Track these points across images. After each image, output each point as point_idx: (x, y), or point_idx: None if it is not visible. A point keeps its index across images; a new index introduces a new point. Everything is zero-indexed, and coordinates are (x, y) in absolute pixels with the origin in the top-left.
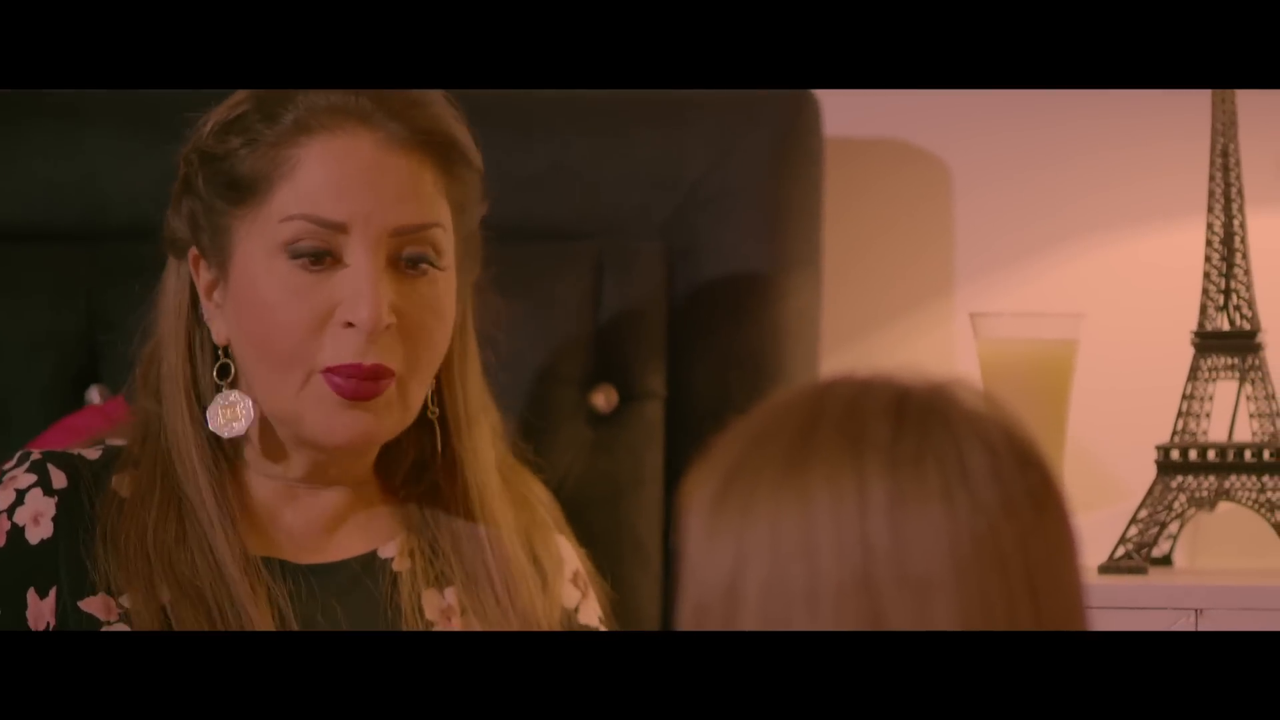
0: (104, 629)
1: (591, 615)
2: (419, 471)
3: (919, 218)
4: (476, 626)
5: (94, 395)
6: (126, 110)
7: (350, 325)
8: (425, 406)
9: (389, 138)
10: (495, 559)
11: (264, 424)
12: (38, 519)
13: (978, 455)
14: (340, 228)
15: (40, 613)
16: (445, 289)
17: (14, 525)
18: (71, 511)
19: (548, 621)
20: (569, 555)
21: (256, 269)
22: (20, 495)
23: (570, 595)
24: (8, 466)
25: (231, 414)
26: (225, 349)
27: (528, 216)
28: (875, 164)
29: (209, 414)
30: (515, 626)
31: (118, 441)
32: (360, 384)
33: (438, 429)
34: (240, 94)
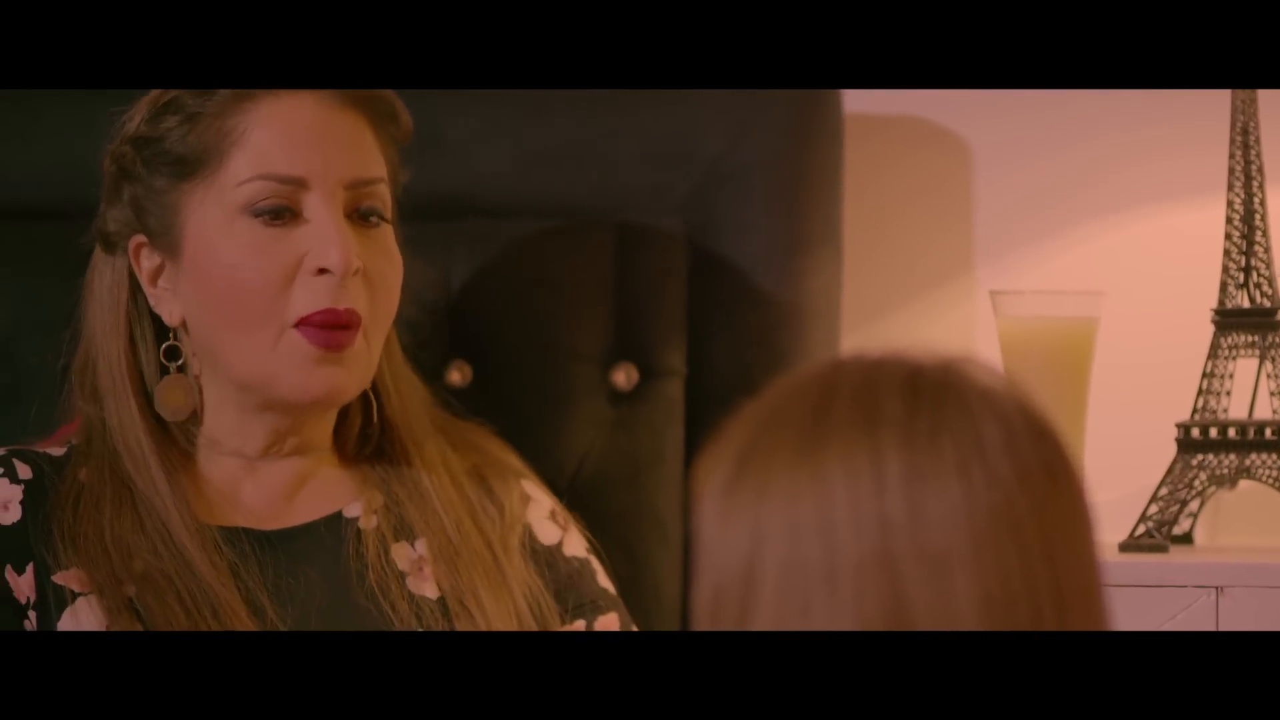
0: (78, 598)
1: (578, 547)
2: (364, 437)
3: (940, 195)
4: (444, 572)
5: None
6: (148, 89)
7: (322, 271)
8: None
9: (330, 96)
10: (444, 506)
11: (219, 402)
12: (6, 505)
13: (992, 429)
14: (299, 182)
15: (20, 587)
16: (393, 242)
17: None
18: (36, 500)
19: (507, 548)
20: (539, 495)
21: (214, 235)
22: None
23: (550, 532)
24: None
25: (176, 397)
26: (175, 331)
27: (547, 194)
28: (896, 142)
29: (157, 398)
30: (474, 559)
31: (80, 438)
32: (333, 333)
33: (371, 396)
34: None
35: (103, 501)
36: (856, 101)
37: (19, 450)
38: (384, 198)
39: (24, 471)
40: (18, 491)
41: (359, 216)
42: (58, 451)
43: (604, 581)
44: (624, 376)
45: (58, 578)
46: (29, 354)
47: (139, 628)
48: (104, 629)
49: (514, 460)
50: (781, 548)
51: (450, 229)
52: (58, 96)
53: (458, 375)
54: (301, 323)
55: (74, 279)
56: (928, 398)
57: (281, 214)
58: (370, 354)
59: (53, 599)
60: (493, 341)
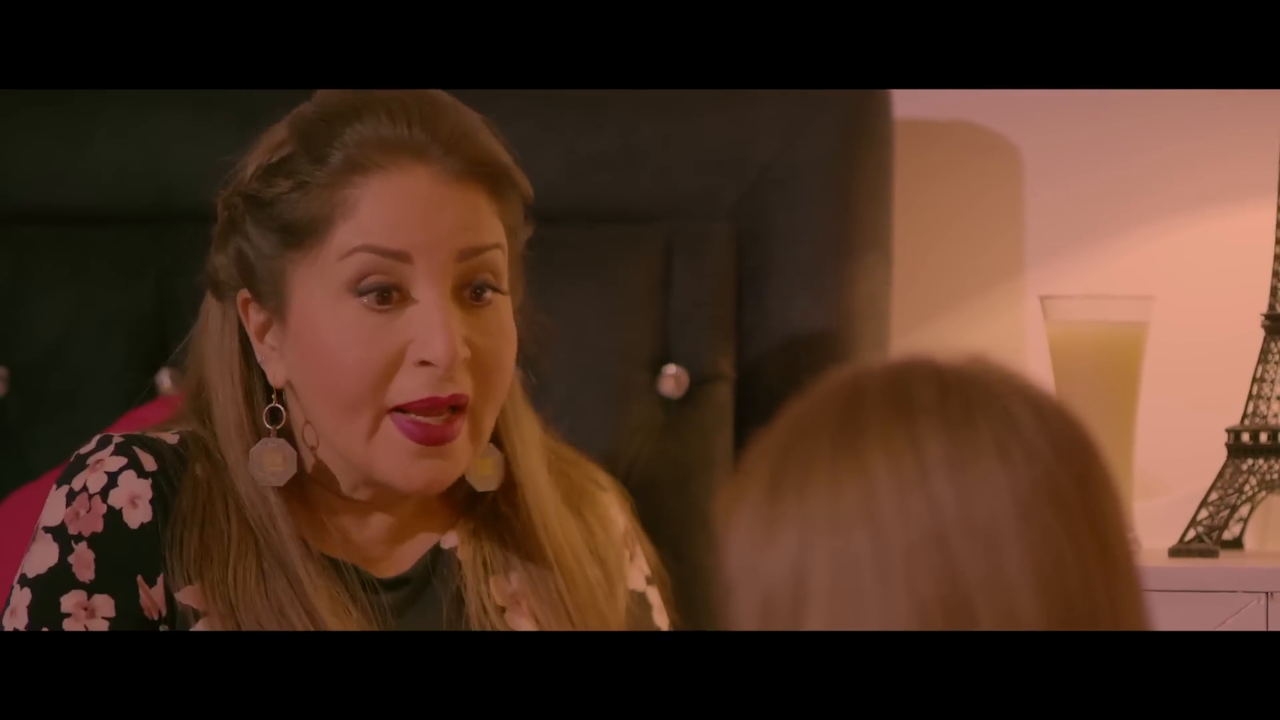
0: (202, 618)
1: (639, 578)
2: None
3: (990, 201)
4: (540, 606)
5: (164, 378)
6: (196, 94)
7: (424, 364)
8: None
9: (444, 171)
10: (564, 580)
11: (331, 458)
12: (135, 502)
13: (1023, 410)
14: (403, 256)
15: (152, 601)
16: (507, 314)
17: (110, 508)
18: (165, 495)
19: (615, 625)
20: (617, 515)
21: (319, 312)
22: (112, 478)
23: (625, 564)
24: (87, 450)
25: (274, 461)
26: (279, 393)
27: (598, 199)
28: (946, 148)
29: (253, 460)
30: (576, 595)
31: (188, 427)
32: (434, 428)
33: (494, 457)
34: (280, 133)
35: (226, 535)
36: (906, 107)
37: (137, 437)
38: (496, 266)
39: (149, 462)
40: (146, 487)
41: (471, 294)
42: (172, 439)
43: (659, 618)
44: (674, 381)
45: (181, 595)
46: (84, 358)
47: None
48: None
49: (600, 476)
50: (830, 544)
51: None
52: (112, 100)
53: None
54: (397, 410)
55: (128, 283)
56: (956, 386)
57: (388, 295)
58: (478, 436)
59: (180, 616)
60: (542, 346)
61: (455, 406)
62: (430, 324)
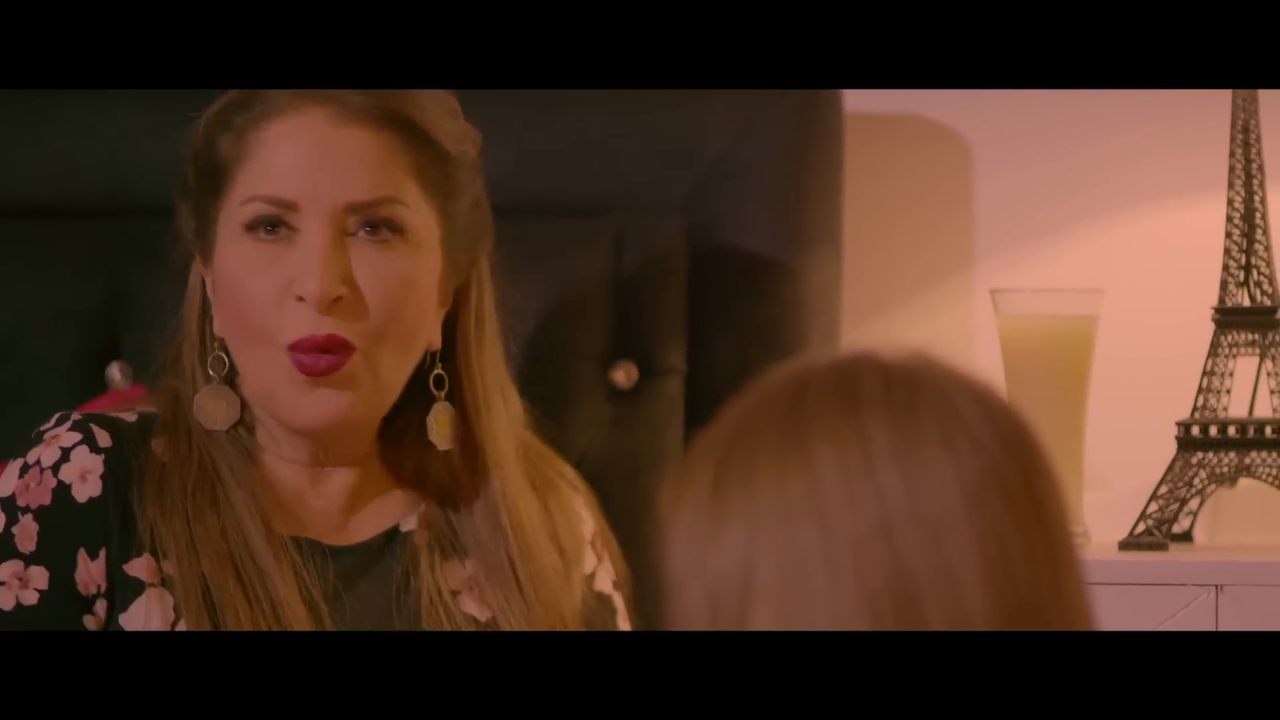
0: (147, 589)
1: (606, 581)
2: (431, 455)
3: (939, 194)
4: (496, 594)
5: (115, 372)
6: (151, 89)
7: (302, 299)
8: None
9: (343, 110)
10: (519, 551)
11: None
12: (85, 476)
13: (967, 402)
14: (291, 205)
15: (90, 575)
16: (417, 264)
17: (60, 483)
18: (117, 469)
19: (570, 614)
20: (586, 515)
21: (226, 250)
22: (65, 453)
23: (589, 560)
24: (46, 427)
25: (217, 407)
26: (221, 341)
27: (548, 192)
28: (896, 141)
29: (195, 407)
30: (539, 620)
31: (150, 409)
32: (318, 357)
33: (456, 415)
34: (233, 91)
35: (188, 466)
36: (857, 101)
37: (95, 415)
38: (397, 218)
39: (103, 439)
40: (98, 462)
41: (367, 231)
42: (130, 418)
43: (622, 623)
44: (624, 375)
45: (130, 567)
46: (35, 352)
47: (207, 613)
48: (171, 622)
49: (570, 473)
50: (777, 537)
51: None
52: (62, 96)
53: None
54: (290, 348)
55: (80, 277)
56: (900, 379)
57: (276, 227)
58: (379, 377)
59: (120, 589)
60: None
61: (329, 349)
62: (308, 261)
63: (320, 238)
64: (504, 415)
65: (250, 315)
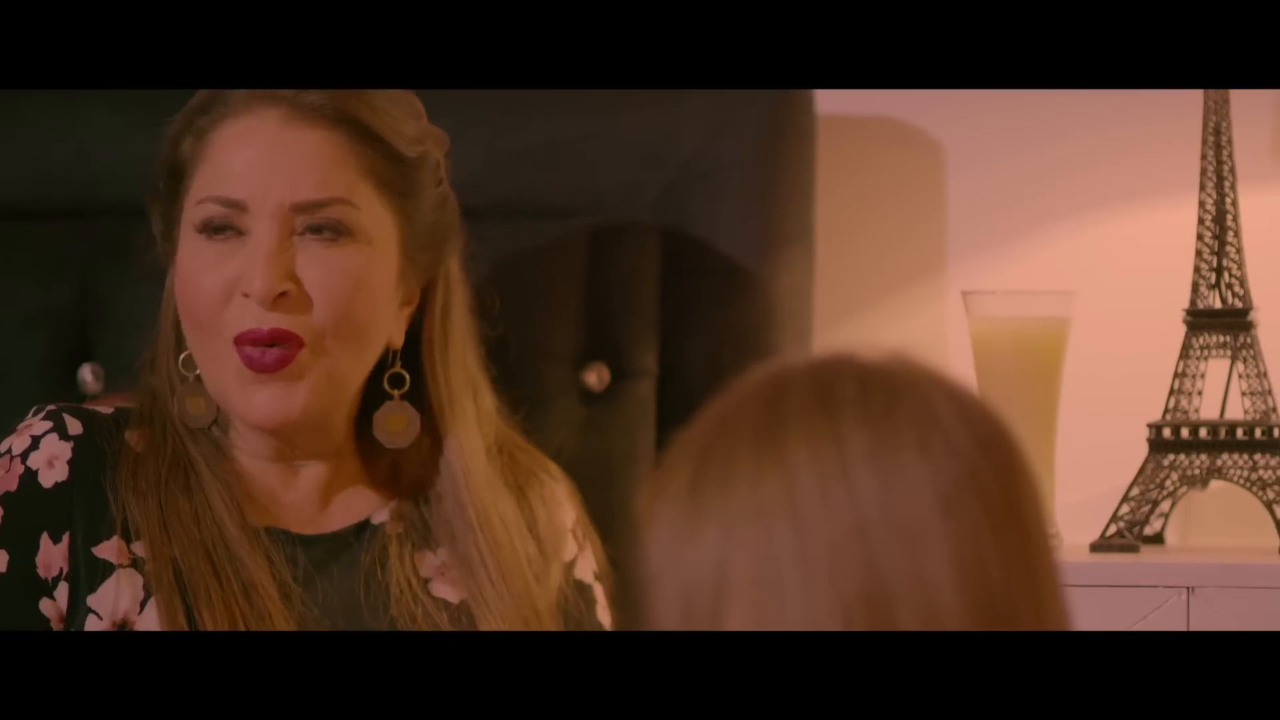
0: (116, 571)
1: (587, 570)
2: (404, 451)
3: (911, 195)
4: (468, 580)
5: (86, 374)
6: (120, 89)
7: (247, 295)
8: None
9: (293, 110)
10: (486, 544)
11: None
12: (52, 462)
13: (944, 404)
14: (239, 205)
15: (51, 558)
16: (368, 262)
17: (27, 469)
18: (87, 456)
19: (545, 608)
20: (568, 504)
21: (182, 250)
22: (35, 441)
23: (568, 547)
24: (24, 420)
25: (196, 405)
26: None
27: (520, 194)
28: (868, 142)
29: (175, 406)
30: (510, 612)
31: (128, 405)
32: (264, 352)
33: (419, 414)
34: (201, 94)
35: (162, 454)
36: (829, 102)
37: (70, 405)
38: (344, 218)
39: (74, 427)
40: (66, 449)
41: (311, 232)
42: (106, 410)
43: (601, 615)
44: (596, 377)
45: (99, 550)
46: (5, 354)
47: (179, 601)
48: (140, 602)
49: (553, 467)
50: (752, 537)
51: None
52: (32, 97)
53: None
54: (237, 342)
55: (51, 279)
56: (878, 381)
57: (223, 230)
58: (333, 374)
59: (86, 572)
60: None
61: (274, 342)
62: (254, 258)
63: (267, 235)
64: (472, 413)
65: (201, 311)
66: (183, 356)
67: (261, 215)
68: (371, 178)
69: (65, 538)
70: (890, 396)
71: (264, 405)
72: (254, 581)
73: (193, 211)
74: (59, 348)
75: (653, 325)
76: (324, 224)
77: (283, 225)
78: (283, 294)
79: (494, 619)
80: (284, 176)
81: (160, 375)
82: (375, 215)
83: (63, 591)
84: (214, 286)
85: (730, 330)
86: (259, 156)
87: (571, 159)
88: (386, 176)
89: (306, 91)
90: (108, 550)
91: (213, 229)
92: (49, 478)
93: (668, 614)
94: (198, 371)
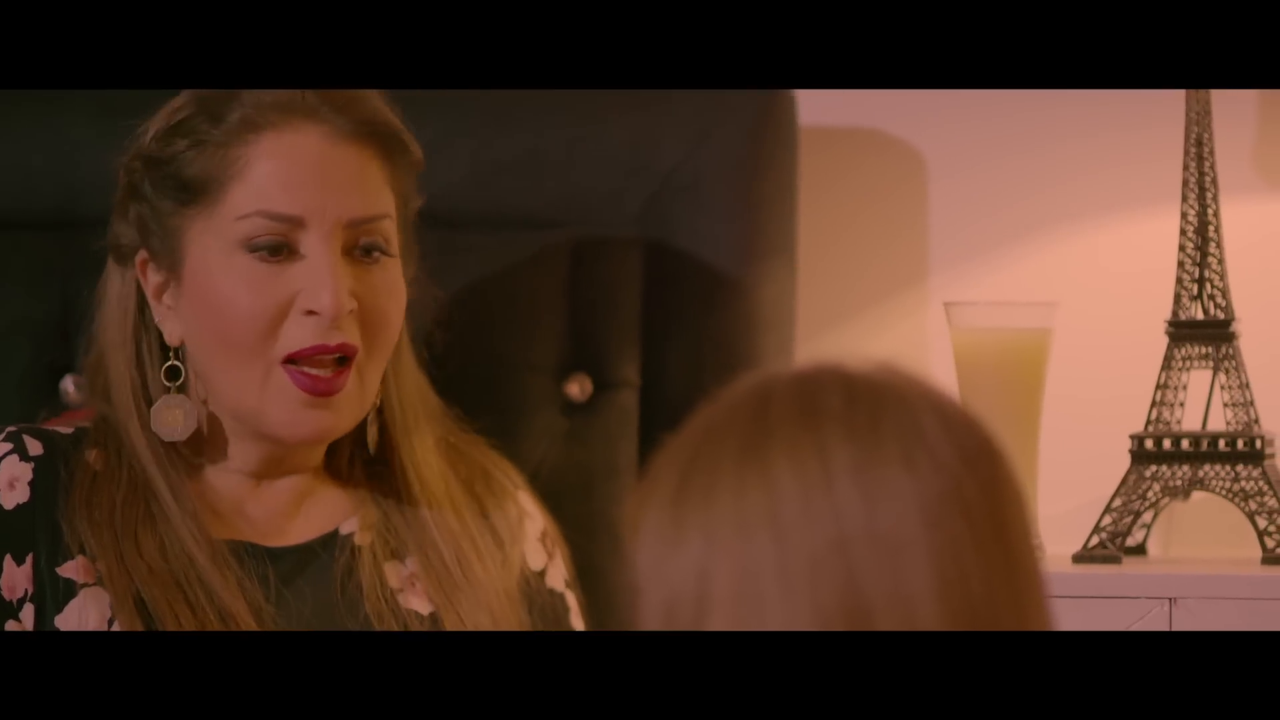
0: (81, 590)
1: (558, 579)
2: (362, 456)
3: (893, 206)
4: (436, 590)
5: (69, 385)
6: (102, 98)
7: (311, 313)
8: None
9: (335, 131)
10: (442, 536)
11: (214, 420)
12: (13, 484)
13: (929, 417)
14: (296, 221)
15: (16, 580)
16: (396, 275)
17: None
18: (47, 477)
19: (505, 591)
20: (534, 512)
21: (213, 266)
22: None
23: (537, 556)
24: None
25: (174, 417)
26: (177, 350)
27: (502, 204)
28: (849, 152)
29: (153, 417)
30: (471, 598)
31: (87, 424)
32: (321, 379)
33: (375, 418)
34: (181, 98)
35: (118, 479)
36: (811, 112)
37: (29, 426)
38: (387, 233)
39: (34, 448)
40: (27, 470)
41: (360, 252)
42: (66, 429)
43: (574, 621)
44: (578, 387)
45: (63, 569)
46: None
47: (141, 621)
48: (108, 620)
49: (513, 473)
50: (734, 548)
51: None
52: (17, 103)
53: None
54: (289, 359)
55: (33, 289)
56: (863, 394)
57: (279, 250)
58: (364, 391)
59: (51, 592)
60: (447, 351)
61: (343, 357)
62: (318, 276)
63: (328, 251)
64: (422, 414)
65: (245, 332)
66: (165, 367)
67: (320, 231)
68: (395, 191)
69: (29, 559)
70: (875, 409)
71: (311, 424)
72: (231, 612)
73: (233, 226)
74: (41, 359)
75: (635, 336)
76: (371, 245)
77: (336, 243)
78: (349, 312)
79: (463, 623)
80: (339, 193)
81: (116, 401)
82: (395, 227)
83: (28, 613)
84: (264, 307)
85: (712, 340)
86: (313, 173)
87: (554, 170)
88: (399, 185)
89: (330, 105)
90: (71, 570)
91: (268, 249)
92: (10, 499)
93: (651, 621)
94: (180, 383)
